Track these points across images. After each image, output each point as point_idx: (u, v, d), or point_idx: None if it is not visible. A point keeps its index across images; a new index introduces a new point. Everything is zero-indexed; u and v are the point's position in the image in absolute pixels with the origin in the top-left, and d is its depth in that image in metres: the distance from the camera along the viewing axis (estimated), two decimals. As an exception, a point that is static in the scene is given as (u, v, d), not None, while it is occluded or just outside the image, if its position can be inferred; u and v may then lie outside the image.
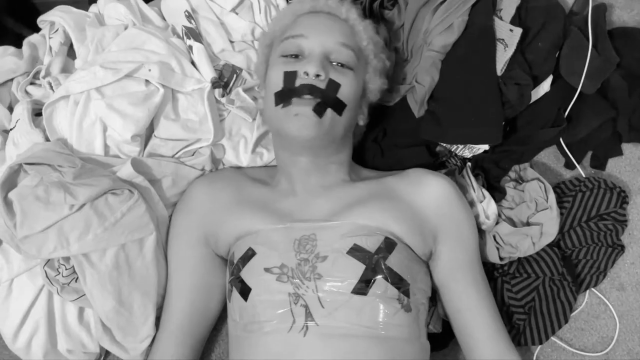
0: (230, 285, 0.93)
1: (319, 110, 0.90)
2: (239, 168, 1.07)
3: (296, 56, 0.94)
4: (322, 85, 0.90)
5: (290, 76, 0.91)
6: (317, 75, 0.90)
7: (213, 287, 0.99)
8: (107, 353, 1.05)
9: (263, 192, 0.98)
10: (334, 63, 0.93)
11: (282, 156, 1.00)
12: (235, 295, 0.90)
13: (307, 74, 0.90)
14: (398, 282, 0.87)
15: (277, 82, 0.92)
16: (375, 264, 0.86)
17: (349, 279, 0.85)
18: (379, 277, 0.85)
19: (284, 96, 0.91)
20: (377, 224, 0.90)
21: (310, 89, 0.89)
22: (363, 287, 0.85)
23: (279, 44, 0.96)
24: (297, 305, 0.85)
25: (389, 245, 0.88)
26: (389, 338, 0.85)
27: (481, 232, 1.05)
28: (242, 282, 0.89)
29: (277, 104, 0.92)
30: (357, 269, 0.86)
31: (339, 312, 0.84)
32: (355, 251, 0.87)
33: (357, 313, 0.84)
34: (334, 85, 0.91)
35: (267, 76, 0.96)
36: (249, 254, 0.90)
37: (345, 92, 0.92)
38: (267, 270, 0.88)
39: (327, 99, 0.90)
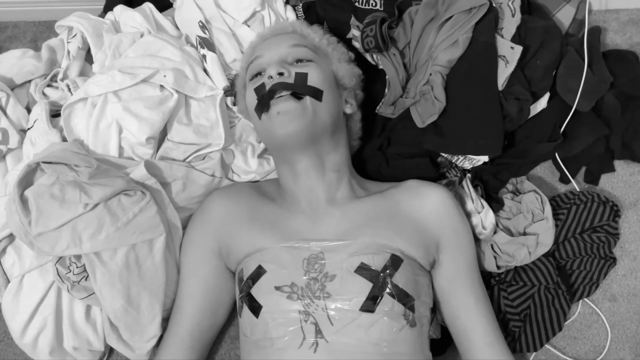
0: (241, 302, 0.94)
1: (298, 97, 0.93)
2: (253, 182, 1.09)
3: (259, 74, 0.99)
4: (290, 80, 0.94)
5: (260, 88, 0.95)
6: (281, 74, 0.94)
7: (223, 296, 1.01)
8: (111, 352, 1.06)
9: (273, 209, 1.00)
10: (293, 62, 0.98)
11: (283, 173, 1.01)
12: (246, 312, 0.92)
13: (272, 77, 0.94)
14: (404, 298, 0.89)
15: (253, 99, 0.96)
16: (382, 281, 0.88)
17: (356, 297, 0.87)
18: (386, 294, 0.87)
19: (262, 104, 0.94)
20: (384, 242, 0.92)
21: (282, 85, 0.93)
22: (370, 304, 0.87)
23: (245, 75, 1.02)
24: (307, 323, 0.87)
25: (395, 262, 0.90)
26: (394, 354, 0.87)
27: (479, 241, 1.08)
28: (252, 299, 0.91)
29: (260, 115, 0.95)
30: (365, 287, 0.88)
31: (348, 329, 0.86)
32: (363, 270, 0.89)
33: (365, 330, 0.86)
34: (301, 75, 0.95)
35: (247, 105, 1.01)
36: (259, 272, 0.92)
37: (315, 79, 0.96)
38: (277, 288, 0.89)
39: (301, 88, 0.94)
